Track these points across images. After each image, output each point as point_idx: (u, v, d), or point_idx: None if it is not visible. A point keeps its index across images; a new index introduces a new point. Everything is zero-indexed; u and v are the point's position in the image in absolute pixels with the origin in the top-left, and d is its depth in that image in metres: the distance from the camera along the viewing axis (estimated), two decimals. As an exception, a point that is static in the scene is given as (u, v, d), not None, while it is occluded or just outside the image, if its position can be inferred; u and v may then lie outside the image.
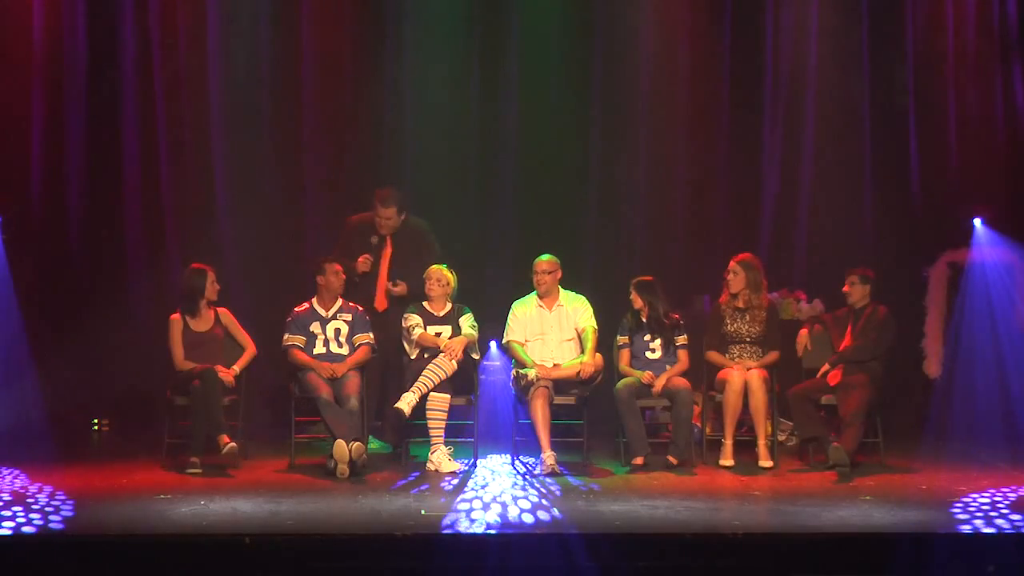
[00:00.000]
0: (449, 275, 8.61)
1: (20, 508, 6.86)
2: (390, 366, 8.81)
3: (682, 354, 8.60)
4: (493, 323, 8.83)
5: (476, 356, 8.58)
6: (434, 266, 8.64)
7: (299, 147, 10.20)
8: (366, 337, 8.56)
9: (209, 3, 10.03)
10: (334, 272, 8.56)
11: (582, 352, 8.55)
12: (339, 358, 8.46)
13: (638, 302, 8.59)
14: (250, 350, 8.59)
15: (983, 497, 7.31)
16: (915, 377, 9.99)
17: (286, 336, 8.51)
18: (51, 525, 6.53)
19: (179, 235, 9.97)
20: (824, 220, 10.29)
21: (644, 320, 8.59)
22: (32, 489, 7.42)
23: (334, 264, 8.60)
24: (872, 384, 8.45)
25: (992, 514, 6.88)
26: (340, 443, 7.94)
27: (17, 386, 9.36)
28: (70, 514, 6.79)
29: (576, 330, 8.62)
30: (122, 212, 10.01)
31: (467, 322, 8.57)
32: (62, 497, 7.18)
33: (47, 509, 6.86)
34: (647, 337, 8.61)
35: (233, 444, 8.04)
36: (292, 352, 8.46)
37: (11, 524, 6.50)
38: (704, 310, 9.32)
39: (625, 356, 8.61)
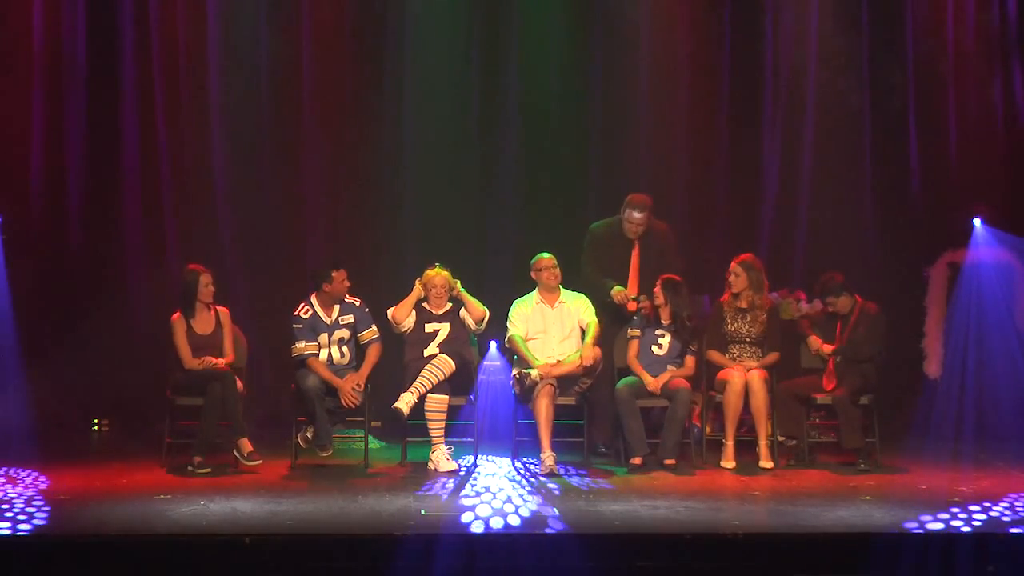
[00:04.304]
0: (449, 277, 8.59)
1: (19, 508, 6.87)
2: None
3: (689, 360, 8.61)
4: (493, 323, 8.82)
5: (480, 328, 8.57)
6: (432, 273, 8.59)
7: (299, 147, 10.20)
8: (372, 333, 8.53)
9: (209, 3, 10.03)
10: (341, 280, 8.52)
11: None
12: (340, 368, 8.44)
13: (659, 299, 8.59)
14: (229, 358, 8.53)
15: (983, 497, 7.31)
16: (915, 377, 9.99)
17: (302, 344, 8.40)
18: (50, 526, 6.53)
19: (179, 235, 9.97)
20: (824, 220, 10.28)
21: (665, 320, 8.59)
22: (31, 489, 7.42)
23: (342, 271, 8.54)
24: (865, 382, 8.51)
25: (991, 514, 6.88)
26: (316, 436, 8.25)
27: (17, 386, 9.36)
28: (70, 515, 6.79)
29: (580, 324, 8.63)
30: (122, 212, 10.01)
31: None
32: (61, 497, 7.18)
33: (46, 509, 6.86)
34: (657, 332, 8.62)
35: (257, 455, 8.13)
36: (310, 363, 8.37)
37: (10, 524, 6.50)
38: (704, 310, 9.32)
39: (635, 348, 8.62)
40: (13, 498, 7.13)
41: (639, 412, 8.40)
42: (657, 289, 8.62)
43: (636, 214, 8.86)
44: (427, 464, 8.30)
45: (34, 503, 7.01)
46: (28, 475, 7.84)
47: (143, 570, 6.14)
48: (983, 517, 6.81)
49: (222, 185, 10.08)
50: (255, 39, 10.15)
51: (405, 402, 8.21)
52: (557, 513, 6.94)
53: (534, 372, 8.37)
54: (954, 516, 6.82)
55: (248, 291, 9.82)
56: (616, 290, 8.78)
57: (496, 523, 6.68)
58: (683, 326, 8.59)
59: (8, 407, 9.24)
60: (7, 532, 6.36)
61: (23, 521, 6.58)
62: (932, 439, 9.34)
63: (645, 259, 8.92)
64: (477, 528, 6.59)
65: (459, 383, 8.44)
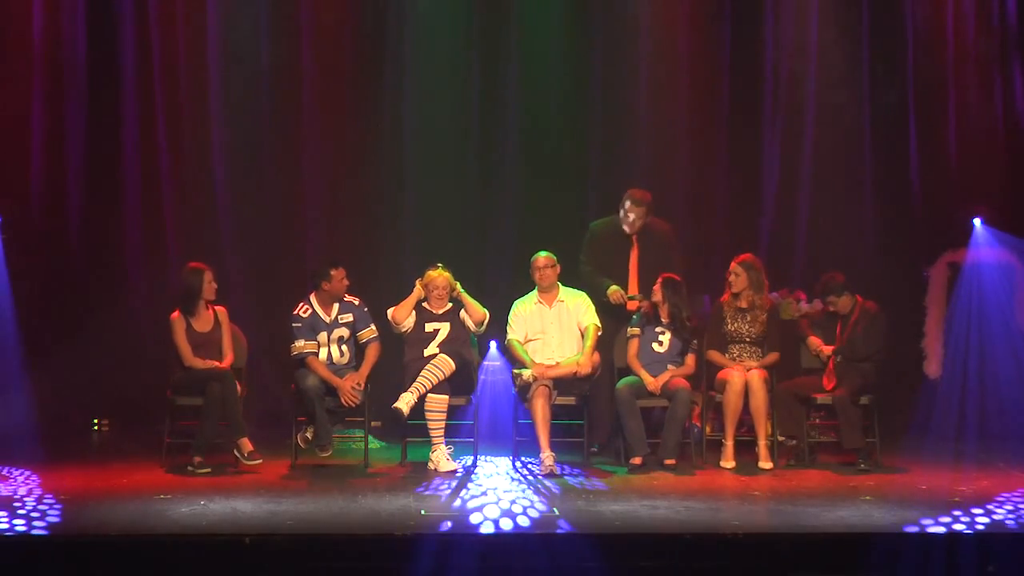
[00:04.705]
0: (450, 279, 8.58)
1: (20, 508, 6.87)
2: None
3: (690, 359, 8.61)
4: (493, 323, 8.82)
5: (479, 330, 8.57)
6: (434, 274, 8.57)
7: (299, 147, 10.20)
8: (371, 332, 8.52)
9: (209, 4, 10.03)
10: (339, 278, 8.51)
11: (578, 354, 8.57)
12: (339, 367, 8.44)
13: (657, 296, 8.59)
14: (229, 358, 8.52)
15: (983, 497, 7.31)
16: (915, 377, 9.99)
17: (301, 343, 8.38)
18: (51, 526, 6.53)
19: (179, 235, 9.97)
20: (824, 220, 10.29)
21: (664, 319, 8.59)
22: (32, 489, 7.42)
23: (340, 269, 8.53)
24: (865, 382, 8.51)
25: (992, 514, 6.88)
26: (316, 436, 8.25)
27: (17, 386, 9.36)
28: (70, 514, 6.79)
29: (579, 327, 8.62)
30: (122, 212, 10.01)
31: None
32: (62, 497, 7.18)
33: (47, 509, 6.86)
34: (657, 330, 8.62)
35: (257, 454, 8.12)
36: (309, 361, 8.37)
37: (11, 524, 6.50)
38: (704, 310, 9.33)
39: (634, 347, 8.61)
40: (13, 498, 7.13)
41: (639, 412, 8.39)
42: (656, 287, 8.62)
43: (631, 207, 8.85)
44: (427, 464, 8.30)
45: (34, 503, 7.01)
46: (29, 475, 7.83)
47: (143, 570, 6.14)
48: (983, 517, 6.81)
49: (222, 185, 10.08)
50: (255, 39, 10.14)
51: (405, 402, 8.21)
52: (557, 513, 6.94)
53: (526, 373, 8.37)
54: (954, 516, 6.82)
55: (248, 291, 9.82)
56: (612, 290, 8.77)
57: (496, 523, 6.68)
58: (682, 325, 8.59)
59: (10, 407, 9.24)
60: (8, 532, 6.36)
61: (24, 521, 6.58)
62: (933, 439, 9.35)
63: (644, 257, 8.91)
64: (477, 528, 6.59)
65: (459, 383, 8.43)
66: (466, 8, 10.29)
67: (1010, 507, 7.06)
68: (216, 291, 8.53)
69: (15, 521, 6.57)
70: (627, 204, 8.88)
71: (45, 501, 7.07)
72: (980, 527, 6.61)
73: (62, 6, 9.88)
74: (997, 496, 7.34)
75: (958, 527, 6.60)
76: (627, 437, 8.37)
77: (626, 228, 8.90)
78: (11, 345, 9.40)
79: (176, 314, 8.45)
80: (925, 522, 6.67)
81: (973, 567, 6.19)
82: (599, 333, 8.62)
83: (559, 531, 6.54)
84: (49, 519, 6.65)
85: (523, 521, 6.73)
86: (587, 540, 6.32)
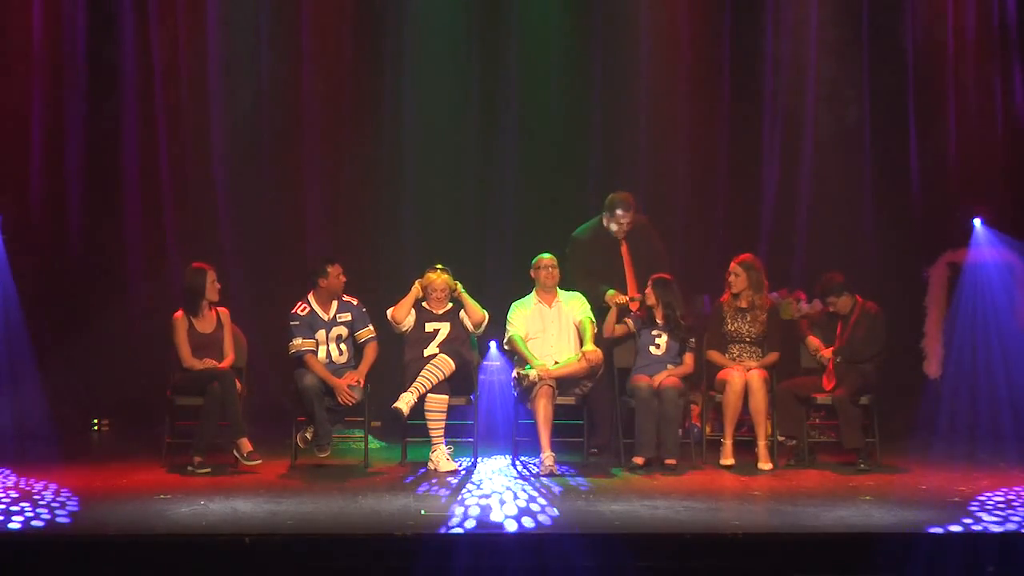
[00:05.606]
0: (450, 280, 8.58)
1: (21, 508, 6.86)
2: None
3: (688, 358, 8.60)
4: (492, 324, 8.82)
5: (478, 331, 8.58)
6: (433, 276, 8.56)
7: (299, 147, 10.21)
8: (369, 332, 8.53)
9: (210, 4, 10.04)
10: (336, 275, 8.51)
11: (581, 348, 8.56)
12: (338, 366, 8.44)
13: (651, 299, 8.58)
14: (230, 358, 8.53)
15: (983, 497, 7.31)
16: (915, 377, 9.99)
17: (299, 340, 8.37)
18: (52, 525, 6.54)
19: (179, 235, 9.98)
20: (824, 220, 10.29)
21: (659, 320, 8.58)
22: (32, 489, 7.42)
23: (336, 265, 8.54)
24: (865, 382, 8.51)
25: (991, 514, 6.89)
26: (315, 436, 8.23)
27: (18, 386, 9.36)
28: (71, 514, 6.79)
29: (575, 323, 8.62)
30: (122, 212, 10.01)
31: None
32: (63, 497, 7.18)
33: (48, 509, 6.86)
34: (654, 332, 8.61)
35: (257, 454, 8.12)
36: (307, 359, 8.37)
37: (11, 524, 6.50)
38: (704, 310, 9.33)
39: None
40: (14, 498, 7.13)
41: (656, 415, 8.31)
42: (648, 290, 8.61)
43: (623, 213, 8.85)
44: (427, 464, 8.31)
45: (35, 503, 7.00)
46: (29, 475, 7.83)
47: (143, 570, 6.14)
48: (983, 517, 6.81)
49: (222, 185, 10.09)
50: (256, 40, 10.15)
51: (405, 402, 8.21)
52: (557, 513, 6.94)
53: (532, 372, 8.37)
54: (954, 516, 6.82)
55: (248, 291, 9.83)
56: (611, 294, 8.76)
57: (496, 523, 6.68)
58: (677, 324, 8.57)
59: (10, 407, 9.25)
60: (9, 532, 6.36)
61: (25, 521, 6.58)
62: (933, 439, 9.35)
63: (636, 255, 8.91)
64: (477, 528, 6.59)
65: (459, 383, 8.43)
66: (466, 9, 10.30)
67: (1011, 507, 7.06)
68: (219, 291, 8.52)
69: (17, 521, 6.57)
70: (617, 212, 8.86)
71: (46, 501, 7.06)
72: (980, 527, 6.60)
73: (62, 6, 9.88)
74: (997, 496, 7.34)
75: (958, 527, 6.60)
76: (638, 434, 8.31)
77: (618, 233, 8.89)
78: (15, 345, 9.41)
79: (179, 314, 8.45)
80: (925, 522, 6.67)
81: (973, 567, 6.18)
82: (595, 329, 8.60)
83: (558, 531, 6.54)
84: (51, 518, 6.65)
85: (523, 521, 6.73)
86: (587, 540, 6.32)
